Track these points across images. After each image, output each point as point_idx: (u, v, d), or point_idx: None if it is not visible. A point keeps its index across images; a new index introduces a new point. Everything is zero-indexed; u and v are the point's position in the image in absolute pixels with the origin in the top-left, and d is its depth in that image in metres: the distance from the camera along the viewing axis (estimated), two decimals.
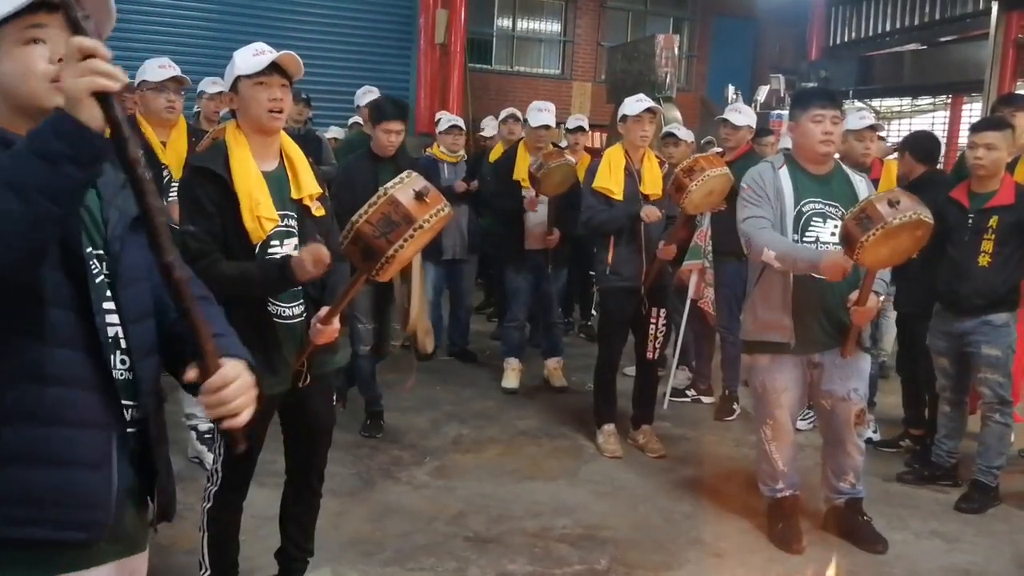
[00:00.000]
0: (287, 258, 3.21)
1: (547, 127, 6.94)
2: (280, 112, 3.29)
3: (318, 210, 3.45)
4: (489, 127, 10.20)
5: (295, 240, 3.35)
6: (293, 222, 3.36)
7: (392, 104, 5.75)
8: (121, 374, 1.91)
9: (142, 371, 1.95)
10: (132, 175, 1.66)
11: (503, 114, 8.51)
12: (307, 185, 3.41)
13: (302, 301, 3.40)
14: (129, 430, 1.92)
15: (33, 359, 1.78)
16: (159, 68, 5.06)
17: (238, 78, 3.29)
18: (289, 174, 3.40)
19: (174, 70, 5.08)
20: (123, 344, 1.91)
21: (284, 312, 3.35)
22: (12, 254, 1.61)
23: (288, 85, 3.32)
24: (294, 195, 3.37)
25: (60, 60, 1.75)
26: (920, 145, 6.06)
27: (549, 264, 7.08)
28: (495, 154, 8.04)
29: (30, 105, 1.81)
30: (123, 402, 1.90)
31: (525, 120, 6.97)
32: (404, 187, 2.86)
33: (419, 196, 2.82)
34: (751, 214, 4.43)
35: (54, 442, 1.81)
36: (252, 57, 3.25)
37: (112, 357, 1.89)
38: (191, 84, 5.36)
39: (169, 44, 12.23)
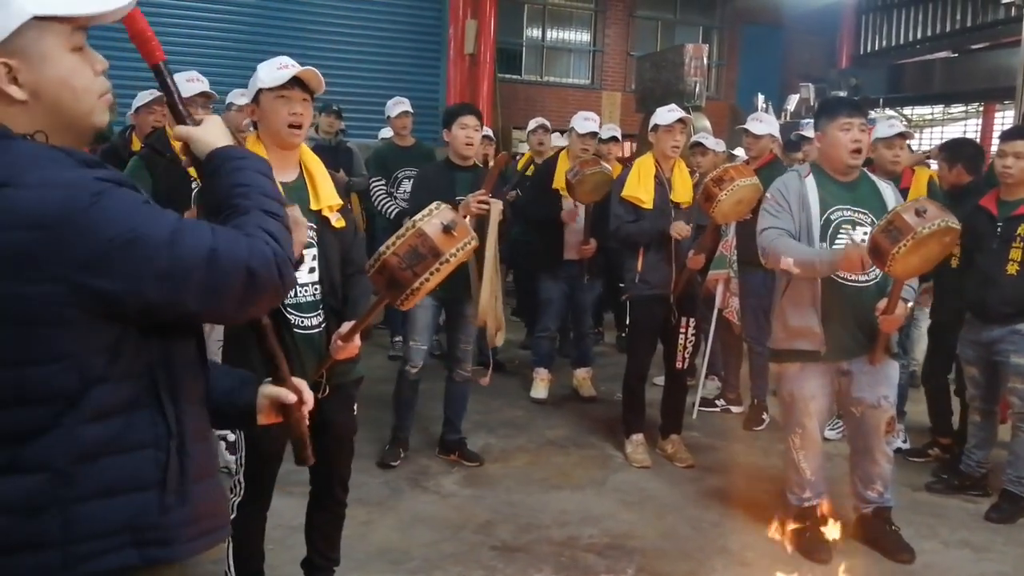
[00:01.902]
0: None
1: (594, 134, 6.95)
2: (300, 127, 3.32)
3: (338, 221, 3.46)
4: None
5: (314, 251, 3.37)
6: (312, 233, 3.37)
7: (463, 103, 5.74)
8: None
9: None
10: None
11: (532, 124, 8.55)
12: (326, 196, 3.43)
13: (320, 312, 3.42)
14: None
15: (198, 383, 1.89)
16: (187, 83, 5.06)
17: (260, 91, 3.32)
18: (308, 185, 3.43)
19: (203, 84, 5.09)
20: None
21: (303, 322, 3.37)
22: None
23: (309, 100, 3.35)
24: (313, 206, 3.39)
25: (103, 71, 1.76)
26: (966, 154, 6.04)
27: (584, 274, 7.08)
28: (523, 163, 8.06)
29: (81, 123, 1.73)
30: None
31: (571, 129, 6.97)
32: (432, 219, 2.85)
33: (447, 229, 2.81)
34: (769, 224, 4.43)
35: (213, 455, 1.97)
36: (276, 71, 3.28)
37: None
38: (218, 98, 5.39)
39: (199, 56, 12.31)
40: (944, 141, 6.89)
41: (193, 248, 1.62)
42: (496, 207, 5.01)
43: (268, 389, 2.12)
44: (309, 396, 2.14)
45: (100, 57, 1.76)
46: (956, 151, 6.16)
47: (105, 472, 1.66)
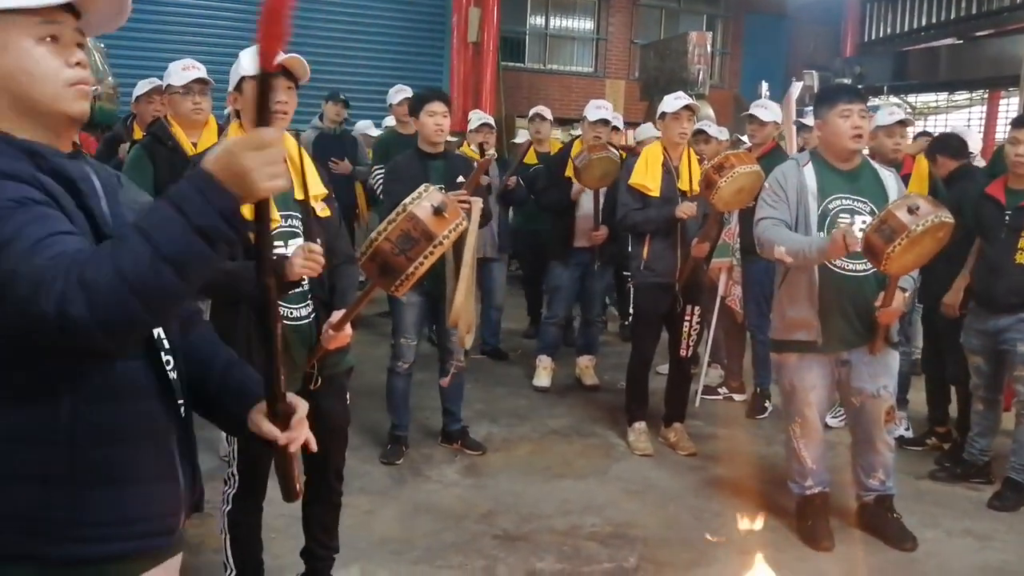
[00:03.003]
0: (281, 257, 3.14)
1: (605, 122, 6.92)
2: (284, 115, 3.24)
3: (323, 211, 3.44)
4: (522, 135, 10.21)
5: (300, 240, 3.32)
6: (297, 222, 3.35)
7: (430, 89, 5.68)
8: (170, 374, 1.88)
9: (180, 368, 1.93)
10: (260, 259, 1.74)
11: (530, 113, 8.53)
12: (311, 185, 3.40)
13: (309, 302, 3.40)
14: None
15: (108, 376, 1.73)
16: (183, 71, 5.02)
17: (243, 78, 3.26)
18: (293, 175, 3.36)
19: (199, 71, 5.04)
20: (165, 344, 1.89)
21: (291, 313, 3.34)
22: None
23: (294, 88, 3.28)
24: (298, 195, 3.35)
25: (78, 64, 1.73)
26: (948, 144, 6.05)
27: (596, 261, 7.05)
28: (520, 151, 8.07)
29: (47, 110, 1.71)
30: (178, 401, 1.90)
31: (583, 117, 6.96)
32: (422, 202, 2.78)
33: (438, 211, 2.75)
34: (765, 215, 4.43)
35: (133, 459, 1.78)
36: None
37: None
38: (215, 84, 5.36)
39: (201, 44, 12.32)
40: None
41: (4, 264, 1.51)
42: (476, 206, 4.97)
43: (258, 420, 1.92)
44: (300, 416, 1.93)
45: (79, 52, 1.74)
46: (931, 149, 6.24)
47: None
